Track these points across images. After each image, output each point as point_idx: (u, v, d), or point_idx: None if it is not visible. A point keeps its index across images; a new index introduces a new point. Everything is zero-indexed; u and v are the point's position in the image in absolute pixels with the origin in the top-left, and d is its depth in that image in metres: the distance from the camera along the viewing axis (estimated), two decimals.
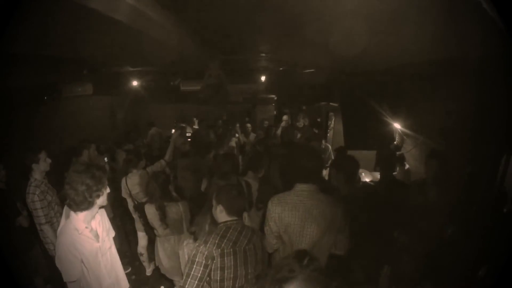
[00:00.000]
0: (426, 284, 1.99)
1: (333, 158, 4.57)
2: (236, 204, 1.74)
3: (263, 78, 6.48)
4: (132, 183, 3.21)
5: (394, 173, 3.04)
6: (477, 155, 2.55)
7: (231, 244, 1.66)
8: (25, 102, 4.00)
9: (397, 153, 3.82)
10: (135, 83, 6.46)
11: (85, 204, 1.64)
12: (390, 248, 2.26)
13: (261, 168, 3.00)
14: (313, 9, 1.95)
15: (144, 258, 3.47)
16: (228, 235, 1.68)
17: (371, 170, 4.32)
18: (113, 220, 3.61)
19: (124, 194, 3.28)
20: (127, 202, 3.35)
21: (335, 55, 3.16)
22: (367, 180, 4.05)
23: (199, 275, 1.59)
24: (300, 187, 1.83)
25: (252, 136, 6.32)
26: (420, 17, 1.72)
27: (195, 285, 1.59)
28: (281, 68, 5.55)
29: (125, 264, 3.23)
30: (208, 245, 1.62)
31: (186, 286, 1.59)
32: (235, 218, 1.74)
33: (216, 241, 1.64)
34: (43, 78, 3.97)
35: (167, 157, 3.51)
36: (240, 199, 1.77)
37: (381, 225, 2.14)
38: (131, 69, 5.31)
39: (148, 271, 3.52)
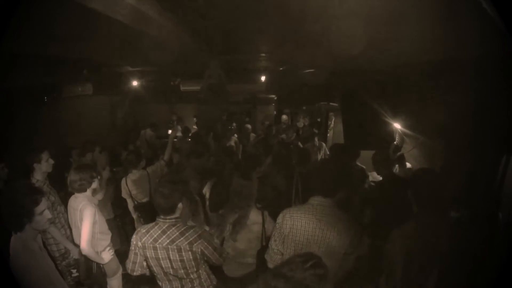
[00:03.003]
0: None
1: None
2: (155, 201, 1.78)
3: (263, 78, 6.49)
4: (132, 183, 3.21)
5: (394, 173, 3.04)
6: (477, 155, 2.54)
7: (151, 240, 1.78)
8: (25, 102, 4.00)
9: (398, 153, 3.82)
10: (135, 83, 6.46)
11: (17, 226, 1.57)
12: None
13: (259, 167, 2.99)
14: (313, 9, 1.95)
15: None
16: (152, 231, 1.79)
17: (371, 170, 4.31)
18: (113, 220, 3.62)
19: (124, 194, 3.28)
20: (127, 202, 3.35)
21: (335, 55, 3.16)
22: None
23: (131, 258, 1.88)
24: (317, 201, 1.71)
25: (252, 136, 6.32)
26: (420, 17, 1.72)
27: (128, 268, 1.91)
28: (281, 68, 5.56)
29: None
30: (135, 236, 1.84)
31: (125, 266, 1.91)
32: (161, 216, 1.80)
33: (137, 236, 1.82)
34: (43, 78, 3.98)
35: (166, 157, 3.51)
36: (160, 198, 1.75)
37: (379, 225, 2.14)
38: (131, 69, 5.32)
39: (148, 271, 3.52)
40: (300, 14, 2.09)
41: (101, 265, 2.42)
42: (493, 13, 1.23)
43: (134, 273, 1.91)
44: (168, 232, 1.77)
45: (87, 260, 2.31)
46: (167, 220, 1.79)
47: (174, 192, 1.77)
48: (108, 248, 2.52)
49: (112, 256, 2.54)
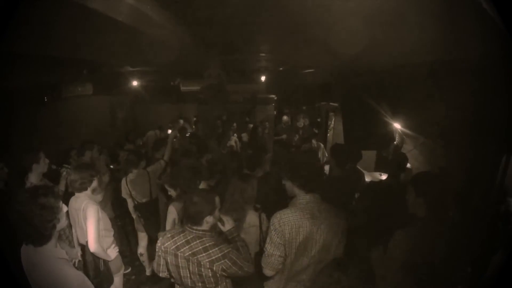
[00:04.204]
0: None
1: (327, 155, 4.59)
2: (185, 207, 1.72)
3: (263, 78, 6.49)
4: (132, 183, 3.21)
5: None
6: (477, 155, 2.55)
7: (174, 246, 1.71)
8: (25, 102, 4.00)
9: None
10: (135, 83, 6.46)
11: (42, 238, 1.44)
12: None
13: (259, 167, 2.99)
14: (313, 9, 1.95)
15: (144, 258, 3.47)
16: (176, 238, 1.72)
17: (371, 170, 4.32)
18: (113, 220, 3.62)
19: (124, 194, 3.28)
20: (127, 202, 3.35)
21: (335, 55, 3.16)
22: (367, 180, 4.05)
23: (156, 259, 1.82)
24: (306, 199, 1.72)
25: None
26: (420, 17, 1.72)
27: (155, 268, 1.86)
28: (281, 68, 5.56)
29: (125, 264, 3.26)
30: (161, 238, 1.78)
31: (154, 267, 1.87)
32: (188, 224, 1.72)
33: (163, 239, 1.77)
34: (43, 78, 3.98)
35: (166, 157, 3.51)
36: (189, 205, 1.67)
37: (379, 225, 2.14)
38: (131, 69, 5.32)
39: (148, 271, 3.52)
40: (300, 15, 2.09)
41: (107, 262, 2.43)
42: (493, 13, 1.23)
43: (160, 274, 1.86)
44: (192, 244, 1.67)
45: (94, 258, 2.31)
46: (194, 231, 1.69)
47: (205, 202, 1.68)
48: (113, 245, 2.52)
49: (117, 253, 2.55)
